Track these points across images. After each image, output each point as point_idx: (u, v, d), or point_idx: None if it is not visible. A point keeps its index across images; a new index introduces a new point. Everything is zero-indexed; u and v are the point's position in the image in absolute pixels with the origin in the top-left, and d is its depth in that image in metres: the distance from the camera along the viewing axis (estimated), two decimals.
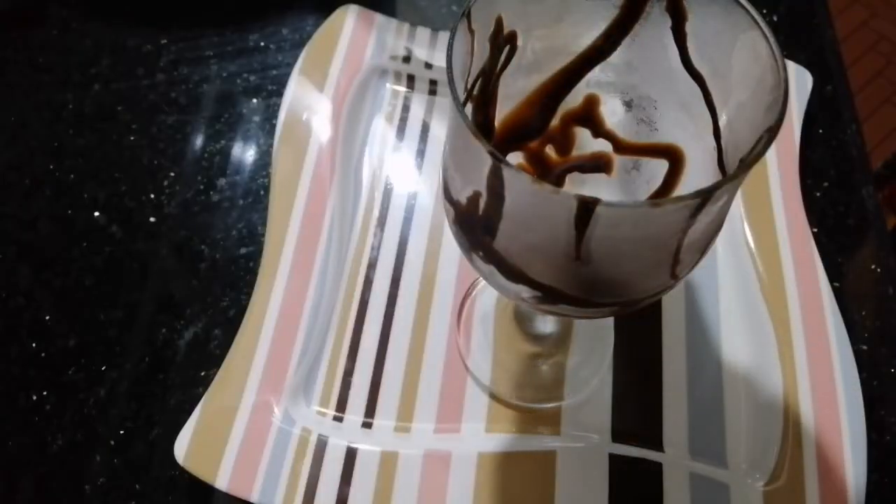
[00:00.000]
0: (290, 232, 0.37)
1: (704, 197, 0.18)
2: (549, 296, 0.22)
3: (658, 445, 0.33)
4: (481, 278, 0.27)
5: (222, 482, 0.31)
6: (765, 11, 0.47)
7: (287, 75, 0.42)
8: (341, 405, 0.34)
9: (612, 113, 0.28)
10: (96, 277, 0.38)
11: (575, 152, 0.29)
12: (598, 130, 0.28)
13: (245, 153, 0.42)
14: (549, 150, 0.29)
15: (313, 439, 0.32)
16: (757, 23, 0.20)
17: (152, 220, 0.39)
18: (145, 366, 0.35)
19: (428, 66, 0.42)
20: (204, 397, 0.33)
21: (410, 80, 0.43)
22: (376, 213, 0.39)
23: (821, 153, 0.41)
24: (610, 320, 0.36)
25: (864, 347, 0.35)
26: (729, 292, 0.36)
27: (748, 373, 0.34)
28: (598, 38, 0.25)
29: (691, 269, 0.22)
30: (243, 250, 0.38)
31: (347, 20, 0.43)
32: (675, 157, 0.27)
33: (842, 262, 0.37)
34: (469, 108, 0.24)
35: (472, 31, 0.21)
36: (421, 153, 0.41)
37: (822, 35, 0.45)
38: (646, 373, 0.34)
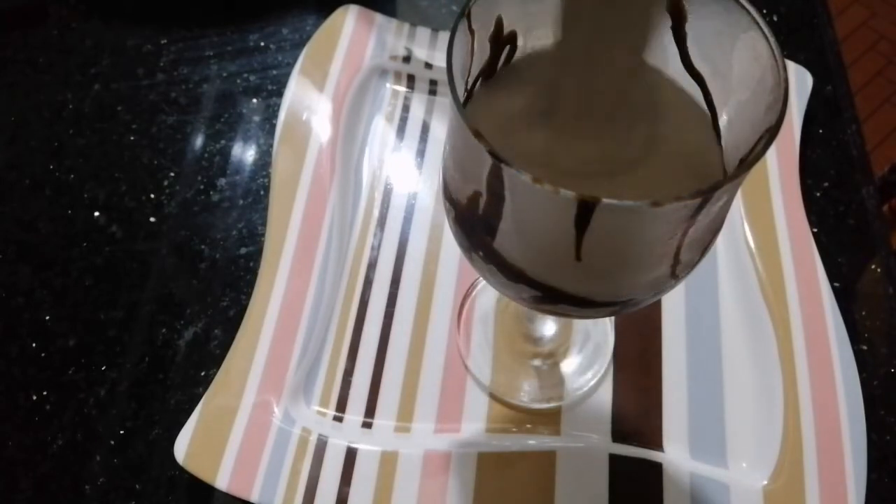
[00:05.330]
0: (290, 232, 0.37)
1: (704, 197, 0.18)
2: (549, 296, 0.22)
3: (658, 445, 0.33)
4: (481, 278, 0.27)
5: (222, 482, 0.31)
6: (765, 11, 0.47)
7: (287, 75, 0.42)
8: (341, 405, 0.34)
9: None
10: (96, 277, 0.38)
11: None
12: None
13: (245, 153, 0.42)
14: None
15: (313, 439, 0.32)
16: (757, 23, 0.20)
17: (152, 220, 0.39)
18: (145, 366, 0.35)
19: (428, 66, 0.42)
20: (204, 397, 0.33)
21: (410, 80, 0.43)
22: (376, 213, 0.39)
23: (821, 153, 0.41)
24: (610, 320, 0.36)
25: (864, 347, 0.35)
26: (729, 292, 0.36)
27: (748, 373, 0.34)
28: None
29: (691, 269, 0.22)
30: (243, 250, 0.38)
31: (347, 20, 0.43)
32: None
33: (842, 262, 0.37)
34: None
35: (472, 31, 0.21)
36: (421, 153, 0.41)
37: (822, 35, 0.45)
38: (646, 373, 0.34)
